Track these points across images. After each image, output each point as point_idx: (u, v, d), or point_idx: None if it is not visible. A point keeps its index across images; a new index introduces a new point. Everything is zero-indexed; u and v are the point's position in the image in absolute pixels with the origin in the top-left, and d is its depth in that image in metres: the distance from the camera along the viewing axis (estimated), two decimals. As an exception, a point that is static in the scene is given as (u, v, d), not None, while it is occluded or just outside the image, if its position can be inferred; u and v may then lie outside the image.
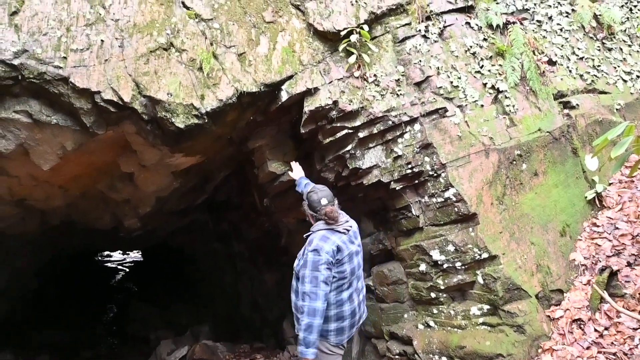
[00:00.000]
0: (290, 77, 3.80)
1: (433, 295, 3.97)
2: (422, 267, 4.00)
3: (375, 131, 3.92)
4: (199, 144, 4.03)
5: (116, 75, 3.39)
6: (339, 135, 3.92)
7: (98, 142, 3.77)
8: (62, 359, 6.41)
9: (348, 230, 3.13)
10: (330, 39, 3.96)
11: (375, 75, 3.95)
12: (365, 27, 3.91)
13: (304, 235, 3.08)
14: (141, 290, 12.13)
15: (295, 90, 3.79)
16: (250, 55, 3.75)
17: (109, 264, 14.26)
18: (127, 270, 13.95)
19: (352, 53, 3.88)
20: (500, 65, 4.16)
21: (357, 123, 3.87)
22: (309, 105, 3.83)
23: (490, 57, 4.18)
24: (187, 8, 3.68)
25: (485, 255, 3.68)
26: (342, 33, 3.89)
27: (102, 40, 3.39)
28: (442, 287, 3.89)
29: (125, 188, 5.02)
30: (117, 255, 14.99)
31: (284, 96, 3.79)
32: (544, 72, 4.35)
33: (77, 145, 3.64)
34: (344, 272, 2.99)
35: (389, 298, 4.38)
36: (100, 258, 14.03)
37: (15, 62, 3.14)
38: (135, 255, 15.08)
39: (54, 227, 5.97)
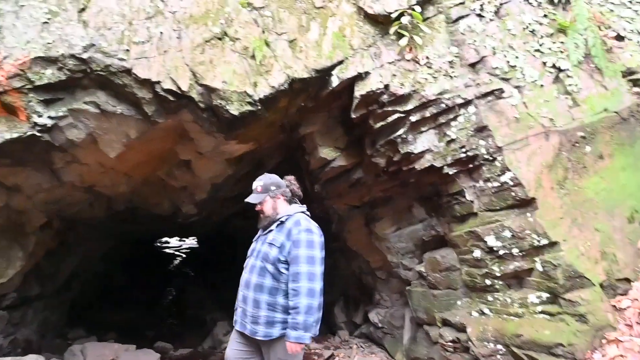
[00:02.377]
0: (340, 62, 3.80)
1: (488, 282, 3.87)
2: (477, 253, 3.91)
3: (427, 115, 3.85)
4: (252, 131, 4.13)
5: (174, 65, 3.54)
6: (390, 119, 3.89)
7: (158, 131, 3.96)
8: (128, 337, 6.83)
9: None
10: (381, 22, 3.91)
11: (427, 57, 3.87)
12: (417, 8, 3.83)
13: (280, 220, 2.83)
14: (197, 275, 12.67)
15: (345, 75, 3.79)
16: (301, 42, 3.78)
17: (167, 250, 14.99)
18: (184, 256, 14.61)
19: (404, 35, 3.82)
20: (561, 42, 3.94)
21: (409, 107, 3.82)
22: (360, 90, 3.82)
23: (551, 34, 3.97)
24: (240, -3, 3.77)
25: (544, 241, 3.54)
26: (393, 15, 3.83)
27: (161, 32, 3.55)
28: (498, 274, 3.79)
29: (182, 175, 5.23)
30: (174, 241, 15.72)
31: (334, 81, 3.80)
32: (610, 48, 4.07)
33: (139, 133, 3.84)
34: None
35: (441, 285, 4.32)
36: (159, 244, 14.78)
37: (84, 55, 3.35)
38: (190, 241, 15.75)
39: (118, 213, 6.34)
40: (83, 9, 3.44)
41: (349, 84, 3.88)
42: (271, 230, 2.84)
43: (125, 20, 3.50)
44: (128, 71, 3.45)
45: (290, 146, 5.25)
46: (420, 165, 3.99)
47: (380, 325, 5.58)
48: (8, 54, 3.22)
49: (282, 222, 2.81)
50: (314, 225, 2.80)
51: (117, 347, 5.72)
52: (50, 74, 3.33)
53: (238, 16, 3.71)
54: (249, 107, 3.63)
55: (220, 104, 3.59)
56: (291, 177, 3.08)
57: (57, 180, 4.23)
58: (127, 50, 3.45)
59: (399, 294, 5.42)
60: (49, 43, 3.30)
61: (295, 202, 3.03)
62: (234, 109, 3.60)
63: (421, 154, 3.97)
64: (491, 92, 3.78)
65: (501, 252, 3.74)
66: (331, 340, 6.27)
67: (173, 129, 4.08)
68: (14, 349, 5.42)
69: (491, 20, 3.92)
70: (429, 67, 3.85)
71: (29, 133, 3.41)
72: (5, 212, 4.17)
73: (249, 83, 3.61)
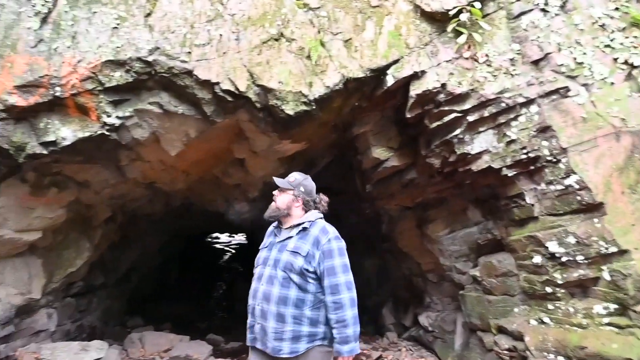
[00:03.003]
0: (396, 61, 3.76)
1: (549, 290, 3.70)
2: (537, 259, 3.74)
3: (486, 114, 3.72)
4: (306, 131, 4.17)
5: (233, 66, 3.63)
6: (446, 119, 3.79)
7: (216, 130, 4.08)
8: (181, 328, 7.11)
9: None
10: (439, 20, 3.82)
11: (487, 55, 3.74)
12: (477, 4, 3.70)
13: (294, 225, 2.61)
14: (245, 270, 12.97)
15: (401, 74, 3.73)
16: (356, 41, 3.77)
17: (217, 245, 15.46)
18: (233, 251, 15.01)
19: (462, 33, 3.71)
20: (635, 37, 3.68)
21: (467, 106, 3.71)
22: (416, 89, 3.75)
23: (623, 28, 3.71)
24: (296, -2, 3.81)
25: (613, 249, 3.33)
26: (451, 12, 3.73)
27: (220, 35, 3.65)
28: (560, 282, 3.61)
29: (236, 173, 5.38)
30: (224, 237, 16.18)
31: (389, 80, 3.76)
32: (691, 42, 3.76)
33: (198, 132, 3.98)
34: None
35: (497, 290, 4.18)
36: (210, 240, 15.26)
37: (150, 58, 3.51)
38: (239, 237, 16.14)
39: (174, 209, 6.61)
40: (149, 14, 3.60)
41: (404, 84, 3.82)
42: (290, 237, 2.58)
43: (187, 24, 3.63)
44: (189, 73, 3.58)
45: (341, 146, 5.25)
46: (477, 166, 3.87)
47: (430, 328, 5.48)
48: (82, 57, 3.43)
49: (304, 229, 2.57)
50: (337, 232, 2.63)
51: (172, 337, 5.98)
52: (118, 76, 3.51)
53: (294, 17, 3.75)
54: (304, 107, 3.66)
55: (276, 103, 3.65)
56: (325, 197, 2.85)
57: (122, 177, 4.47)
58: (189, 52, 3.58)
59: (451, 297, 5.29)
60: (118, 47, 3.49)
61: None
62: (290, 109, 3.64)
63: (478, 155, 3.85)
64: (556, 91, 3.60)
65: (564, 259, 3.56)
66: (379, 341, 6.22)
67: (230, 128, 4.20)
68: (80, 333, 5.79)
69: (556, 15, 3.72)
70: (489, 65, 3.72)
71: (99, 132, 3.62)
72: (76, 206, 4.46)
73: (305, 83, 3.65)
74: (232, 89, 3.62)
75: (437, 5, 3.78)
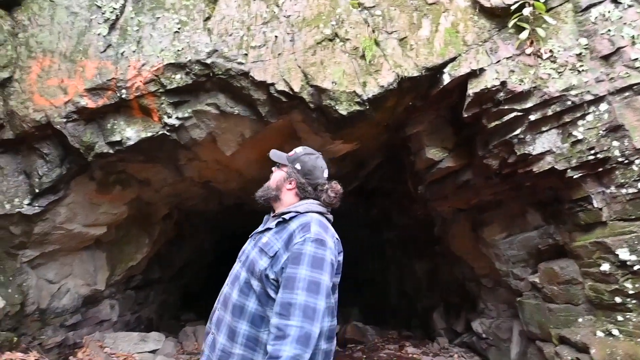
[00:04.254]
0: (453, 59, 3.65)
1: (618, 300, 3.46)
2: (605, 267, 3.51)
3: (549, 113, 3.54)
4: (358, 131, 4.15)
5: (287, 67, 3.67)
6: (506, 118, 3.64)
7: (270, 130, 4.14)
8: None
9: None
10: (499, 15, 3.68)
11: (551, 50, 3.56)
12: (541, -2, 3.54)
13: (278, 215, 2.00)
14: (294, 270, 13.10)
15: (458, 72, 3.63)
16: (411, 40, 3.70)
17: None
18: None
19: (524, 28, 3.55)
20: None
21: (529, 104, 3.54)
22: (473, 88, 3.63)
23: None
24: (351, -2, 3.80)
25: (694, 258, 3.07)
26: (513, 7, 3.58)
27: (276, 36, 3.71)
28: (631, 292, 3.37)
29: (288, 173, 5.43)
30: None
31: (445, 79, 3.66)
32: None
33: (253, 133, 4.05)
34: (337, 282, 1.99)
35: (559, 298, 3.96)
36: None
37: (208, 61, 3.62)
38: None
39: (227, 208, 6.79)
40: (208, 18, 3.72)
41: (461, 82, 3.71)
42: (268, 229, 1.95)
43: (244, 26, 3.72)
44: (246, 74, 3.66)
45: (393, 146, 5.18)
46: (539, 167, 3.69)
47: (484, 335, 5.29)
48: (146, 61, 3.59)
49: (284, 221, 1.92)
50: (330, 235, 1.88)
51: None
52: (179, 79, 3.64)
53: (349, 17, 3.74)
54: (358, 107, 3.64)
55: (330, 104, 3.65)
56: (336, 187, 2.09)
57: (180, 176, 4.63)
58: (245, 54, 3.66)
59: (507, 304, 5.08)
60: (178, 50, 3.62)
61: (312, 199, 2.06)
62: (343, 109, 3.63)
63: (540, 156, 3.66)
64: (629, 87, 3.36)
65: (636, 268, 3.32)
66: (429, 346, 6.08)
67: (283, 128, 4.25)
68: (138, 325, 6.07)
69: (629, 6, 3.48)
70: (553, 62, 3.54)
71: (160, 132, 3.77)
72: (137, 204, 4.67)
73: (358, 83, 3.63)
74: (287, 89, 3.66)
75: (497, 1, 3.64)
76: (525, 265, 4.51)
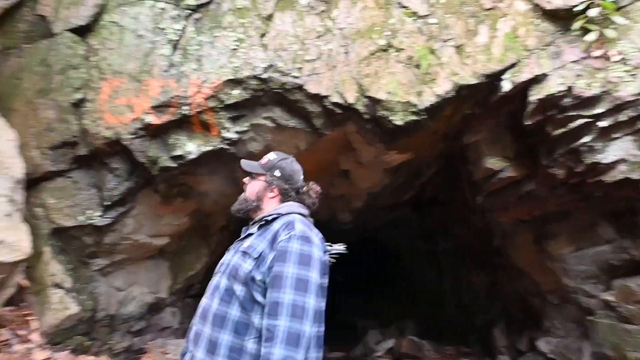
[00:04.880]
0: (513, 65, 3.51)
1: None
2: (691, 285, 3.21)
3: (622, 119, 3.31)
4: (413, 141, 4.08)
5: (342, 79, 3.69)
6: (572, 125, 3.45)
7: (324, 142, 4.17)
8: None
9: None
10: (562, 18, 3.50)
11: (621, 52, 3.33)
12: (609, -3, 3.33)
13: (259, 219, 1.95)
14: (346, 280, 13.04)
15: (519, 78, 3.48)
16: (468, 47, 3.60)
17: (317, 254, 15.78)
18: (333, 261, 15.19)
19: (591, 30, 3.36)
20: None
21: (598, 110, 3.33)
22: (536, 94, 3.47)
23: None
24: (405, 8, 3.76)
25: None
26: (578, 8, 3.40)
27: (330, 49, 3.74)
28: None
29: (341, 184, 5.44)
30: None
31: (505, 86, 3.52)
32: None
33: (308, 145, 4.10)
34: (326, 284, 1.88)
35: (637, 319, 3.67)
36: (310, 248, 15.63)
37: (264, 76, 3.71)
38: (338, 247, 16.31)
39: (281, 218, 6.89)
40: (264, 34, 3.82)
41: (523, 88, 3.55)
42: (250, 235, 1.91)
43: (298, 41, 3.78)
44: (300, 87, 3.71)
45: (449, 155, 5.06)
46: (611, 177, 3.45)
47: (551, 356, 4.97)
48: (206, 78, 3.74)
49: (267, 222, 1.89)
50: (315, 234, 1.83)
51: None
52: (237, 94, 3.76)
53: (403, 26, 3.71)
54: (414, 117, 3.58)
55: (384, 114, 3.62)
56: (316, 188, 2.13)
57: (237, 187, 4.75)
58: (300, 68, 3.72)
59: (576, 323, 4.76)
60: (236, 67, 3.74)
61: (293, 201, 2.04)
62: (398, 119, 3.59)
63: (612, 165, 3.43)
64: None
65: None
66: (490, 364, 5.81)
67: (337, 140, 4.26)
68: (197, 332, 6.25)
69: None
70: (625, 64, 3.31)
71: (219, 146, 3.90)
72: (197, 215, 4.84)
73: (414, 92, 3.57)
74: (341, 101, 3.67)
75: (559, 2, 3.48)
76: (596, 281, 4.22)
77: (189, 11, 3.90)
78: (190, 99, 3.75)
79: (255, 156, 4.17)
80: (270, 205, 2.00)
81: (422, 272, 8.80)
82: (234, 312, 1.72)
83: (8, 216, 3.05)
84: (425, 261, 8.39)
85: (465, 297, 7.25)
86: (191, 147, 3.86)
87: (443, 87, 3.54)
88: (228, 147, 3.92)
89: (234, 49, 3.79)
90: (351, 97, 3.66)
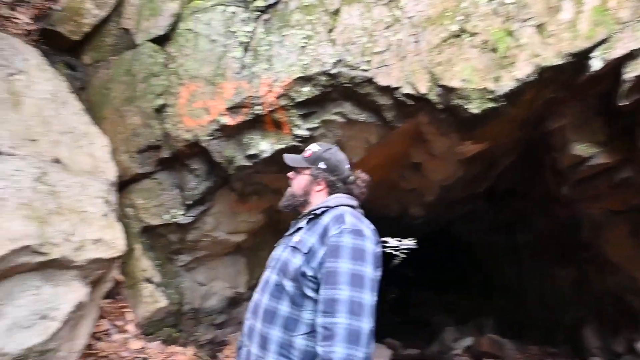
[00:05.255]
0: (603, 41, 3.22)
1: None
2: None
3: None
4: (490, 129, 3.88)
5: (412, 69, 3.59)
6: (677, 103, 3.10)
7: (395, 135, 4.09)
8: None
9: None
10: (661, -16, 3.16)
11: None
12: None
13: (307, 213, 1.89)
14: (417, 275, 12.79)
15: (611, 55, 3.18)
16: (550, 25, 3.35)
17: (386, 250, 15.62)
18: (404, 256, 14.96)
19: (698, -6, 2.99)
20: None
21: None
22: (632, 71, 3.15)
23: None
24: (478, -11, 3.58)
25: None
26: (681, -28, 3.04)
27: (399, 39, 3.65)
28: None
29: (413, 177, 5.32)
30: (393, 241, 16.26)
31: (595, 64, 3.24)
32: None
33: (379, 138, 4.04)
34: (379, 277, 1.77)
35: None
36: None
37: (334, 71, 3.70)
38: (407, 242, 16.01)
39: (350, 213, 6.88)
40: (331, 29, 3.81)
41: (615, 66, 3.25)
42: (299, 229, 1.86)
43: (366, 33, 3.73)
44: (370, 80, 3.66)
45: (528, 143, 4.77)
46: None
47: (653, 358, 4.54)
48: (276, 77, 3.80)
49: (315, 216, 1.83)
50: (366, 226, 1.74)
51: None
52: (307, 91, 3.78)
53: (476, 9, 3.53)
54: (491, 104, 3.41)
55: (459, 103, 3.48)
56: (364, 177, 2.02)
57: (308, 184, 4.80)
58: (369, 60, 3.67)
59: (683, 323, 4.31)
60: (305, 64, 3.76)
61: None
62: (475, 107, 3.43)
63: None
64: None
65: None
66: (581, 366, 5.42)
67: (408, 132, 4.16)
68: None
69: None
70: None
71: (290, 144, 3.95)
72: (270, 212, 4.96)
73: (491, 78, 3.39)
74: (413, 92, 3.58)
75: (658, -33, 3.13)
76: None
77: (258, 12, 3.99)
78: (262, 99, 3.83)
79: (326, 152, 4.21)
80: (318, 199, 1.93)
81: (498, 266, 8.41)
82: (284, 307, 1.70)
83: (104, 216, 3.30)
84: (502, 255, 8.00)
85: (548, 293, 6.82)
86: (265, 145, 3.94)
87: (523, 70, 3.33)
88: (300, 144, 3.96)
89: (303, 47, 3.81)
90: (423, 87, 3.56)
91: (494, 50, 3.42)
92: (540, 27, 3.37)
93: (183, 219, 4.16)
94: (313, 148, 2.03)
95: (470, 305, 8.91)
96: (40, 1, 4.15)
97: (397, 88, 3.61)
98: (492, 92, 3.38)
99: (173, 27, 4.15)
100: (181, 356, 3.96)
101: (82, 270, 3.11)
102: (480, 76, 3.41)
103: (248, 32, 3.95)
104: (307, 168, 1.97)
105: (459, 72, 3.46)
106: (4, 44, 3.28)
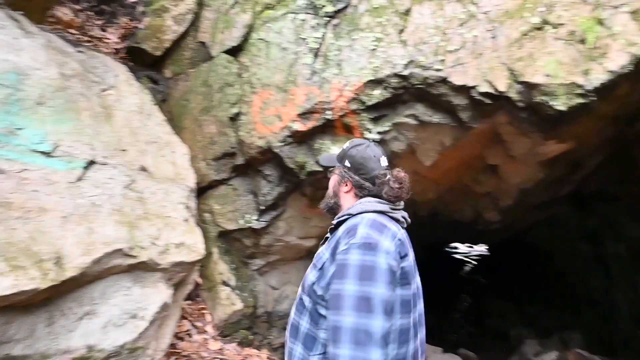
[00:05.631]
0: None
1: None
2: None
3: None
4: (576, 128, 3.60)
5: (490, 66, 3.42)
6: None
7: (471, 136, 3.91)
8: (430, 338, 7.13)
9: (404, 221, 1.76)
10: None
11: None
12: None
13: (335, 223, 1.73)
14: (491, 284, 12.17)
15: None
16: (648, 10, 3.06)
17: (456, 256, 15.04)
18: (475, 263, 14.33)
19: None
20: None
21: None
22: None
23: None
24: (561, -22, 3.35)
25: None
26: None
27: (474, 36, 3.50)
28: None
29: (488, 181, 5.06)
30: (462, 247, 15.63)
31: None
32: None
33: (453, 140, 3.89)
34: (409, 295, 1.57)
35: None
36: (449, 249, 14.98)
37: (405, 72, 3.63)
38: (479, 248, 15.32)
39: (420, 218, 6.69)
40: (402, 30, 3.74)
41: None
42: (327, 239, 1.75)
43: (439, 32, 3.62)
44: (444, 80, 3.54)
45: (620, 142, 4.37)
46: None
47: None
48: (346, 82, 3.80)
49: (336, 225, 1.71)
50: (385, 236, 1.54)
51: (425, 348, 5.99)
52: (378, 94, 3.74)
53: (560, -1, 3.30)
54: (580, 100, 3.16)
55: (543, 100, 3.26)
56: (400, 175, 1.74)
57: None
58: (442, 60, 3.55)
59: None
60: (376, 67, 3.72)
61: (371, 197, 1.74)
62: (561, 104, 3.20)
63: None
64: None
65: None
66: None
67: (484, 133, 3.97)
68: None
69: None
70: None
71: (361, 148, 3.91)
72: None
73: (579, 72, 3.15)
74: (491, 90, 3.41)
75: None
76: None
77: (327, 18, 4.01)
78: (333, 104, 3.83)
79: (398, 156, 4.13)
80: (347, 202, 1.77)
81: (583, 277, 7.76)
82: (305, 323, 1.62)
83: (186, 221, 3.45)
84: (587, 265, 7.38)
85: (644, 308, 6.18)
86: (336, 150, 3.93)
87: (617, 61, 3.06)
88: (371, 148, 3.92)
89: (373, 49, 3.78)
90: (502, 84, 3.38)
91: (582, 41, 3.17)
92: (635, 13, 3.08)
93: (257, 224, 4.26)
94: (345, 145, 1.89)
95: (551, 317, 8.31)
96: (126, 22, 4.48)
97: (473, 87, 3.46)
98: (580, 86, 3.13)
99: (246, 37, 4.29)
100: (256, 359, 4.04)
101: (166, 273, 3.27)
102: (566, 70, 3.18)
103: (318, 38, 3.99)
104: (337, 167, 1.84)
105: (542, 67, 3.24)
106: (97, 62, 3.57)
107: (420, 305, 1.69)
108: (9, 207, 2.56)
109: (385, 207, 1.68)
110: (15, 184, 2.67)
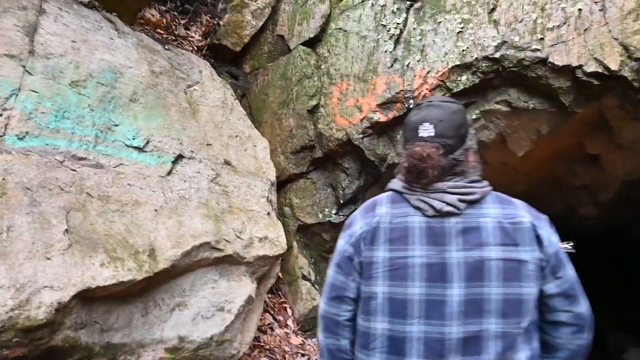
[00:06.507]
0: None
1: None
2: None
3: None
4: None
5: (598, 43, 3.05)
6: None
7: (570, 123, 3.54)
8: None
9: (441, 210, 1.34)
10: None
11: None
12: None
13: None
14: (586, 283, 11.23)
15: None
16: None
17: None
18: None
19: None
20: None
21: None
22: None
23: None
24: None
25: None
26: None
27: (579, 10, 3.14)
28: None
29: (585, 172, 4.60)
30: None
31: None
32: None
33: (551, 127, 3.54)
34: (373, 293, 1.35)
35: None
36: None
37: (497, 55, 3.34)
38: (565, 245, 14.23)
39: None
40: (493, 9, 3.45)
41: None
42: None
43: (537, 8, 3.29)
44: (542, 61, 3.22)
45: None
46: None
47: None
48: (430, 68, 3.58)
49: None
50: (362, 219, 1.45)
51: None
52: (465, 80, 3.49)
53: (688, -40, 2.85)
54: None
55: (665, 78, 2.84)
56: (412, 150, 1.39)
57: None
58: (541, 39, 3.22)
59: None
60: (463, 50, 3.47)
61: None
62: (688, 82, 2.77)
63: None
64: None
65: None
66: None
67: (586, 118, 3.58)
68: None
69: None
70: None
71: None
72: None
73: None
74: (600, 69, 3.04)
75: None
76: None
77: (409, 2, 3.81)
78: (416, 92, 3.64)
79: (487, 146, 3.84)
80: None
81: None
82: None
83: (268, 215, 3.45)
84: None
85: None
86: (418, 141, 3.74)
87: None
88: (458, 137, 3.68)
89: (460, 32, 3.53)
90: (613, 62, 2.99)
91: None
92: None
93: (336, 218, 4.18)
94: None
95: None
96: (208, 19, 4.57)
97: (578, 67, 3.11)
98: None
99: (324, 28, 4.20)
100: (336, 355, 3.97)
101: (250, 267, 3.28)
102: (696, 42, 2.74)
103: (399, 23, 3.80)
104: None
105: (664, 40, 2.83)
106: (183, 59, 3.66)
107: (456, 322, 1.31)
108: (108, 201, 2.68)
109: (397, 185, 1.48)
110: (112, 178, 2.78)
